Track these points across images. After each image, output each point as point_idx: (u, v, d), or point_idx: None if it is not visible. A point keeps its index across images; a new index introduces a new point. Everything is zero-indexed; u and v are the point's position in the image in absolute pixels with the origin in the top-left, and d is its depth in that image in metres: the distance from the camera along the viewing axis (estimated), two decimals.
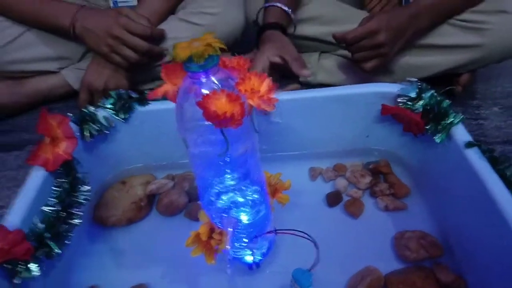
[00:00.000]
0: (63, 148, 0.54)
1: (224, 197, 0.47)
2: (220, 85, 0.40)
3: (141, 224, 0.62)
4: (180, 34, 0.88)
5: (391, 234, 0.56)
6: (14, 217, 0.46)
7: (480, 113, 0.82)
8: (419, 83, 0.58)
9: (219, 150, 0.42)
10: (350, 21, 0.80)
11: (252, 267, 0.53)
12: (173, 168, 0.70)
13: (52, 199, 0.51)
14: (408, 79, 0.60)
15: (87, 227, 0.60)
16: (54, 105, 0.98)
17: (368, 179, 0.64)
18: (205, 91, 0.39)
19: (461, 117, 0.53)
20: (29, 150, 0.85)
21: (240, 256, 0.52)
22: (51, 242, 0.46)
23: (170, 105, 0.64)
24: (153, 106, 0.64)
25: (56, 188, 0.52)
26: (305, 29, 0.88)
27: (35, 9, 0.84)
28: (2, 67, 0.89)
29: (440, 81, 0.82)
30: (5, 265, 0.42)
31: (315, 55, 0.92)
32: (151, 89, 0.66)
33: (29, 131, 0.92)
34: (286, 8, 0.82)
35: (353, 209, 0.60)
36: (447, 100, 0.55)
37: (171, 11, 0.92)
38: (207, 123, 0.40)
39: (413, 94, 0.58)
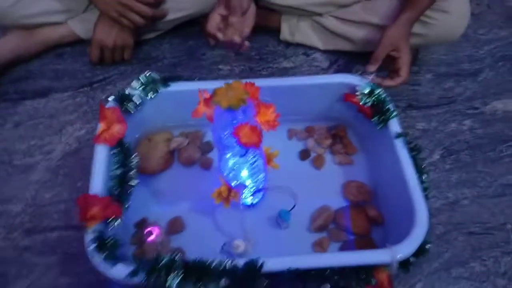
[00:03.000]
0: (117, 130, 0.74)
1: (238, 172, 0.72)
2: (243, 114, 0.61)
3: (170, 172, 0.86)
4: None
5: (341, 182, 0.85)
6: (96, 186, 0.69)
7: (417, 79, 1.06)
8: (371, 84, 0.81)
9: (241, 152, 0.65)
10: None
11: (251, 207, 0.81)
12: (185, 126, 0.91)
13: (115, 168, 0.73)
14: (364, 75, 0.82)
15: None
16: (63, 49, 1.10)
17: (329, 141, 0.90)
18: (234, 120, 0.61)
19: (395, 113, 0.78)
20: (55, 99, 1.00)
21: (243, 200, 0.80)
22: (123, 200, 0.70)
23: (184, 87, 0.84)
24: (173, 87, 0.83)
25: (116, 158, 0.74)
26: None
27: None
28: (14, 22, 0.98)
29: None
30: None
31: (293, 18, 1.07)
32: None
33: (46, 76, 1.05)
34: None
35: (318, 163, 0.88)
36: (389, 99, 0.79)
37: None
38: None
39: (367, 90, 0.81)
